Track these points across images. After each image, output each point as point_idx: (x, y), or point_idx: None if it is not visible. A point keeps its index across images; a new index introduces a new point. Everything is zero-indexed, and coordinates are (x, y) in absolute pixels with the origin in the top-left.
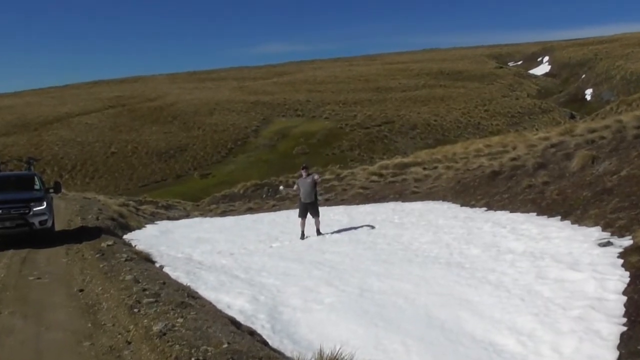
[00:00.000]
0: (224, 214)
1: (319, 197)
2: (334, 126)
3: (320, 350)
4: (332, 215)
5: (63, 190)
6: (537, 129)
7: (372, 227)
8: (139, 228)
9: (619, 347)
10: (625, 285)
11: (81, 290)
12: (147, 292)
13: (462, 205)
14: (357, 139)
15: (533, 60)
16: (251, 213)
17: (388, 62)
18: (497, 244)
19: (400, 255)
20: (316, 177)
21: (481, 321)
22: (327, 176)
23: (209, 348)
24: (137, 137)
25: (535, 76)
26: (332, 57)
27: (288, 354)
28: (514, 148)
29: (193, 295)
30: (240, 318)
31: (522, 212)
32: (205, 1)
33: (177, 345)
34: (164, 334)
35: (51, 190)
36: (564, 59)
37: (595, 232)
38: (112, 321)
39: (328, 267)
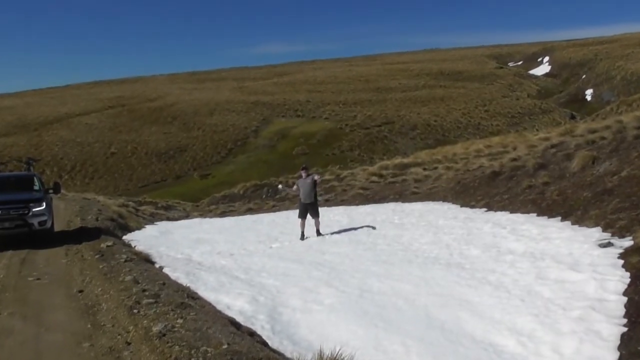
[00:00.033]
0: (223, 214)
1: (319, 198)
2: (334, 126)
3: (320, 351)
4: (332, 215)
5: (62, 191)
6: (537, 130)
7: (372, 227)
8: (139, 229)
9: (619, 347)
10: (626, 286)
11: (81, 291)
12: (146, 293)
13: (462, 205)
14: (357, 139)
15: (533, 60)
16: (251, 214)
17: (388, 63)
18: (497, 244)
19: (400, 256)
20: (316, 177)
21: (481, 322)
22: (327, 177)
23: (208, 349)
24: (136, 138)
25: (536, 76)
26: (332, 58)
27: (288, 354)
28: (514, 148)
29: (193, 296)
30: (240, 319)
31: (523, 212)
32: (205, 1)
33: (177, 346)
34: (164, 335)
35: (50, 191)
36: (564, 59)
37: (596, 233)
38: (112, 322)
39: (328, 268)
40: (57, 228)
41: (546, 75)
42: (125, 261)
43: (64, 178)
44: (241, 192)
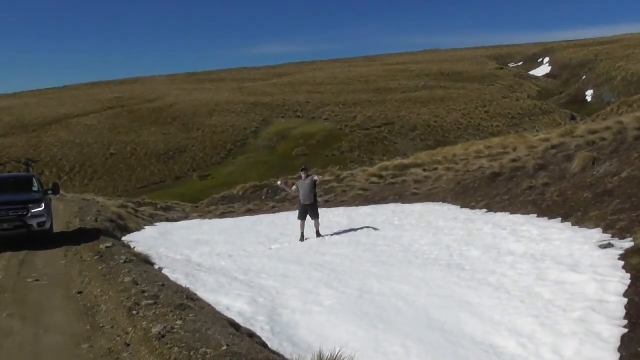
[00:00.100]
0: (223, 215)
1: (319, 199)
2: (334, 127)
3: (320, 353)
4: (331, 217)
5: (62, 192)
6: (537, 131)
7: (372, 228)
8: (138, 230)
9: (619, 349)
10: (626, 287)
11: (80, 293)
12: (146, 294)
13: (462, 206)
14: (357, 140)
15: (533, 61)
16: (250, 215)
17: (388, 63)
18: (497, 245)
19: (400, 257)
20: (316, 177)
21: (481, 323)
22: (326, 177)
23: (208, 350)
24: (136, 139)
25: (536, 77)
26: (331, 58)
27: (288, 356)
28: (515, 149)
29: (192, 297)
30: (239, 320)
31: (523, 213)
32: (204, 1)
33: (176, 348)
34: (163, 336)
35: (50, 192)
36: (565, 60)
37: (596, 234)
38: (111, 323)
39: (328, 269)
40: (56, 229)
41: (546, 76)
42: (125, 262)
43: (63, 179)
44: (241, 193)
